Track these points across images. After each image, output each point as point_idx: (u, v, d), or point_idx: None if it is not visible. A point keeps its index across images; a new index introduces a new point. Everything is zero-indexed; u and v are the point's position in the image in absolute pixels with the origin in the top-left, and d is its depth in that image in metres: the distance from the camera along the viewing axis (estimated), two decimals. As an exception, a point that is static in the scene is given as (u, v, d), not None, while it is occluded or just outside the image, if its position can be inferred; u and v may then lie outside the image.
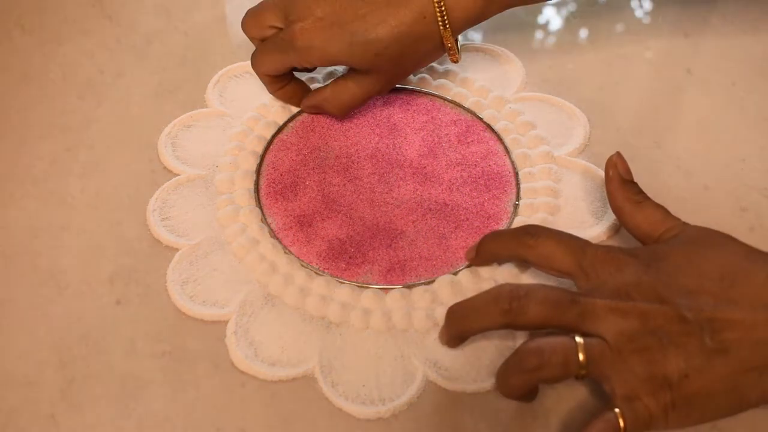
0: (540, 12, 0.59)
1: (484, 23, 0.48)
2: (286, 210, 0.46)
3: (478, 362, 0.39)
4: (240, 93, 0.52)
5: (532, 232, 0.40)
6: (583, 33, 0.58)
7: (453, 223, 0.45)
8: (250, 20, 0.48)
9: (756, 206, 0.46)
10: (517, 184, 0.47)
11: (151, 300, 0.42)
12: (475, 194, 0.47)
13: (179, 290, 0.42)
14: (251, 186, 0.47)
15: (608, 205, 0.43)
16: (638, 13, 0.59)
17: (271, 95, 0.51)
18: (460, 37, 0.48)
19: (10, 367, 0.40)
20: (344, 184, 0.47)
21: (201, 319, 0.41)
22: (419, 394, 0.39)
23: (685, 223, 0.39)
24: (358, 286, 0.42)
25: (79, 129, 0.50)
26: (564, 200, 0.46)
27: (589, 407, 0.38)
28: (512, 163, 0.48)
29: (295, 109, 0.51)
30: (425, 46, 0.46)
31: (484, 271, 0.43)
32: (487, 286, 0.41)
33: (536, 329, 0.38)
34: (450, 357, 0.40)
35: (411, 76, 0.52)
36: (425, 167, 0.48)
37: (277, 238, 0.44)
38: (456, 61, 0.48)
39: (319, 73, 0.53)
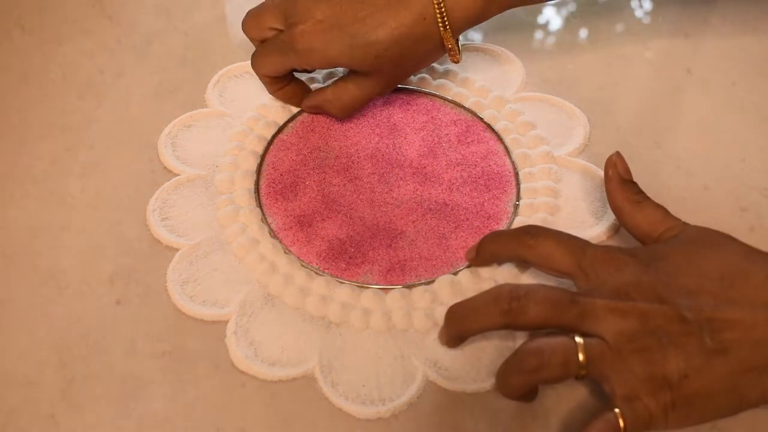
0: (540, 12, 0.59)
1: (484, 23, 0.48)
2: (286, 210, 0.46)
3: (478, 362, 0.39)
4: (240, 93, 0.52)
5: (532, 232, 0.40)
6: (583, 33, 0.58)
7: (453, 223, 0.45)
8: (250, 21, 0.48)
9: (756, 206, 0.46)
10: (517, 184, 0.47)
11: (151, 300, 0.42)
12: (475, 194, 0.47)
13: (179, 290, 0.42)
14: (251, 186, 0.47)
15: (608, 205, 0.43)
16: (638, 13, 0.59)
17: (271, 95, 0.51)
18: (460, 38, 0.48)
19: (10, 367, 0.40)
20: (344, 184, 0.47)
21: (201, 319, 0.41)
22: (419, 394, 0.39)
23: (684, 223, 0.39)
24: (358, 286, 0.42)
25: (79, 129, 0.50)
26: (564, 200, 0.46)
27: (589, 407, 0.38)
28: (512, 163, 0.48)
29: (295, 109, 0.51)
30: (425, 47, 0.46)
31: (484, 271, 0.43)
32: (487, 286, 0.41)
33: (536, 329, 0.38)
34: (450, 357, 0.40)
35: (411, 77, 0.52)
36: (425, 167, 0.48)
37: (277, 238, 0.44)
38: (457, 62, 0.48)
39: (319, 74, 0.53)
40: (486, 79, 0.53)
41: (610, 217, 0.45)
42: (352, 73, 0.48)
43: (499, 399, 0.37)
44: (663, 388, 0.34)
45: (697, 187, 0.47)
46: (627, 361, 0.34)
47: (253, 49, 0.49)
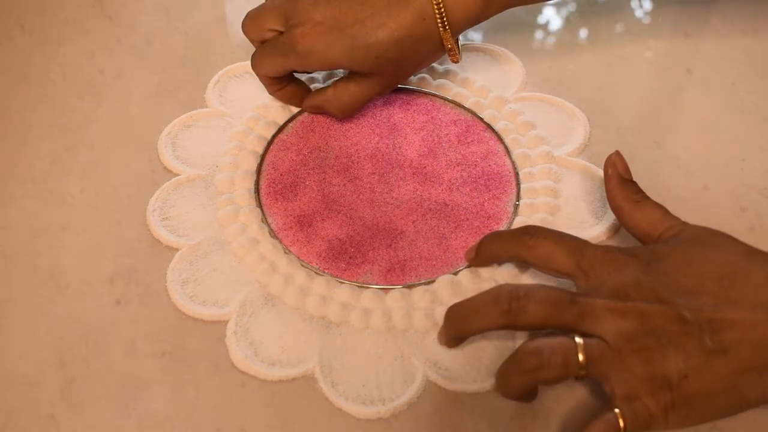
0: (540, 12, 0.59)
1: (484, 23, 0.48)
2: (286, 210, 0.46)
3: (478, 362, 0.39)
4: (240, 93, 0.52)
5: (532, 232, 0.40)
6: (583, 33, 0.58)
7: (453, 223, 0.45)
8: (249, 23, 0.48)
9: (756, 206, 0.46)
10: (517, 184, 0.47)
11: (151, 300, 0.42)
12: (475, 194, 0.47)
13: (179, 290, 0.42)
14: (251, 186, 0.47)
15: (608, 205, 0.43)
16: (638, 13, 0.59)
17: (270, 95, 0.51)
18: (460, 37, 0.48)
19: (10, 367, 0.40)
20: (344, 184, 0.47)
21: (201, 319, 0.41)
22: (419, 394, 0.39)
23: (684, 223, 0.39)
24: (358, 286, 0.42)
25: (79, 129, 0.50)
26: (564, 200, 0.46)
27: (589, 407, 0.38)
28: (512, 163, 0.48)
29: (295, 109, 0.51)
30: (425, 47, 0.46)
31: (484, 271, 0.43)
32: (487, 286, 0.41)
33: (536, 329, 0.38)
34: (450, 357, 0.40)
35: (411, 77, 0.52)
36: (425, 167, 0.48)
37: (277, 238, 0.44)
38: (457, 62, 0.48)
39: (319, 74, 0.53)
40: (486, 79, 0.53)
41: (610, 217, 0.45)
42: (353, 74, 0.48)
43: (499, 399, 0.37)
44: (663, 388, 0.34)
45: (697, 187, 0.47)
46: (627, 361, 0.34)
47: (253, 49, 0.49)
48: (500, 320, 0.37)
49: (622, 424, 0.34)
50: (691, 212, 0.40)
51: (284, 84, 0.49)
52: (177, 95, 0.52)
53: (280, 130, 0.50)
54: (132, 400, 0.38)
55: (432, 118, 0.51)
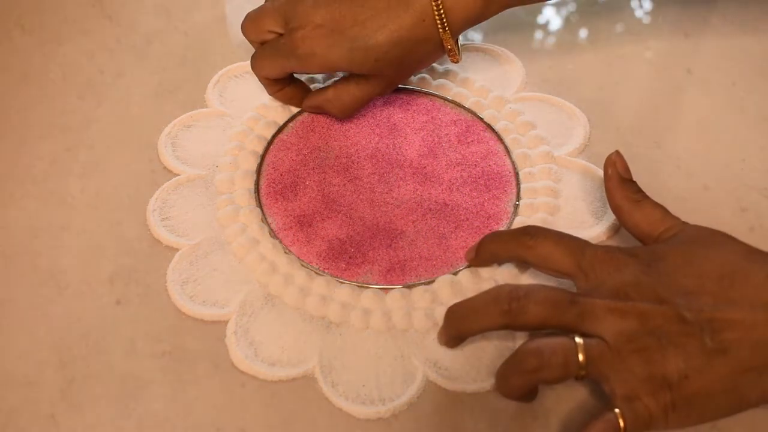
0: (540, 12, 0.59)
1: (484, 23, 0.48)
2: (286, 210, 0.46)
3: (478, 362, 0.39)
4: (240, 93, 0.52)
5: (532, 232, 0.40)
6: (583, 33, 0.58)
7: (453, 223, 0.45)
8: (249, 24, 0.48)
9: (756, 206, 0.46)
10: (517, 184, 0.47)
11: (151, 300, 0.42)
12: (475, 194, 0.47)
13: (179, 290, 0.42)
14: (251, 186, 0.47)
15: (608, 205, 0.43)
16: (638, 13, 0.59)
17: (270, 96, 0.51)
18: (460, 38, 0.48)
19: (10, 367, 0.40)
20: (344, 184, 0.47)
21: (201, 319, 0.41)
22: (419, 394, 0.39)
23: (684, 222, 0.40)
24: (358, 286, 0.42)
25: (79, 129, 0.50)
26: (564, 200, 0.46)
27: (589, 407, 0.38)
28: (512, 163, 0.48)
29: (295, 109, 0.51)
30: (425, 48, 0.46)
31: (484, 271, 0.43)
32: (487, 286, 0.41)
33: (536, 330, 0.38)
34: (450, 357, 0.40)
35: (411, 77, 0.52)
36: (425, 167, 0.48)
37: (277, 238, 0.44)
38: (456, 62, 0.48)
39: (319, 74, 0.53)
40: (486, 79, 0.53)
41: (610, 217, 0.45)
42: (353, 74, 0.48)
43: (499, 399, 0.37)
44: (663, 388, 0.34)
45: (697, 187, 0.47)
46: (627, 361, 0.34)
47: (253, 49, 0.49)
48: (500, 320, 0.37)
49: (622, 424, 0.34)
50: (691, 212, 0.40)
51: (284, 85, 0.49)
52: (177, 95, 0.52)
53: (280, 130, 0.50)
54: (132, 400, 0.38)
55: (432, 118, 0.51)
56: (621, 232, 0.45)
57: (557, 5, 0.59)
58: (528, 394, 0.37)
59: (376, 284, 0.42)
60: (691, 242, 0.38)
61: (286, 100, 0.50)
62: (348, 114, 0.49)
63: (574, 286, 0.38)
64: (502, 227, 0.45)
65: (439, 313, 0.40)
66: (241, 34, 0.48)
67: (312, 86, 0.52)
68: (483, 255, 0.42)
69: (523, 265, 0.43)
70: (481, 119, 0.51)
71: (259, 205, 0.46)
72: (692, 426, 0.35)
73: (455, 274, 0.43)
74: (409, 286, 0.42)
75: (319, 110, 0.50)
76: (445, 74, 0.53)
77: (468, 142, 0.49)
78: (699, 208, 0.45)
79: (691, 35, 0.57)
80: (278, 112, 0.51)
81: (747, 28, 0.57)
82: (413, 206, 0.46)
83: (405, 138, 0.50)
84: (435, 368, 0.39)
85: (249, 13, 0.48)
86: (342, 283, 0.42)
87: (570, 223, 0.45)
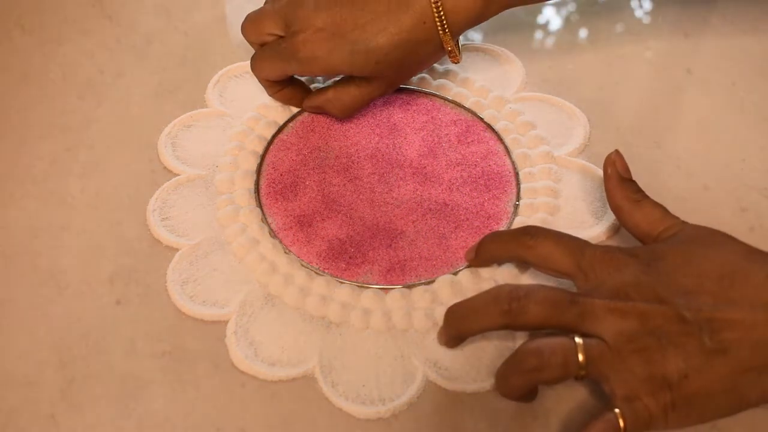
0: (540, 12, 0.59)
1: (484, 23, 0.48)
2: (286, 210, 0.46)
3: (478, 362, 0.39)
4: (240, 93, 0.52)
5: (531, 232, 0.40)
6: (583, 33, 0.58)
7: (453, 223, 0.45)
8: (249, 25, 0.48)
9: (756, 206, 0.46)
10: (517, 184, 0.47)
11: (151, 300, 0.42)
12: (475, 194, 0.47)
13: (179, 290, 0.42)
14: (251, 186, 0.47)
15: (608, 205, 0.43)
16: (638, 13, 0.59)
17: (270, 96, 0.51)
18: (460, 38, 0.48)
19: (10, 367, 0.40)
20: (344, 184, 0.47)
21: (201, 319, 0.41)
22: (419, 394, 0.39)
23: (684, 222, 0.39)
24: (358, 286, 0.42)
25: (79, 129, 0.50)
26: (564, 200, 0.46)
27: (589, 407, 0.38)
28: (512, 163, 0.48)
29: (295, 109, 0.51)
30: (426, 50, 0.46)
31: (484, 271, 0.43)
32: (487, 286, 0.41)
33: (536, 330, 0.38)
34: (450, 357, 0.40)
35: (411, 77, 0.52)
36: (425, 167, 0.48)
37: (277, 238, 0.44)
38: (457, 62, 0.48)
39: (320, 76, 0.53)
40: (486, 79, 0.53)
41: (610, 217, 0.45)
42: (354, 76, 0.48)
43: (499, 399, 0.37)
44: (663, 388, 0.34)
45: (697, 187, 0.47)
46: (627, 361, 0.34)
47: (253, 49, 0.49)
48: (500, 320, 0.37)
49: (622, 424, 0.34)
50: (691, 212, 0.40)
51: (284, 86, 0.49)
52: (177, 95, 0.52)
53: (280, 130, 0.50)
54: (132, 400, 0.38)
55: (432, 118, 0.51)
56: (621, 232, 0.45)
57: (557, 5, 0.59)
58: (528, 394, 0.37)
59: (376, 284, 0.42)
60: (691, 242, 0.38)
61: (286, 101, 0.50)
62: (348, 114, 0.49)
63: (574, 286, 0.38)
64: (502, 227, 0.45)
65: (439, 313, 0.40)
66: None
67: (312, 86, 0.52)
68: (483, 255, 0.42)
69: (523, 265, 0.43)
70: (481, 119, 0.51)
71: (259, 205, 0.46)
72: (692, 426, 0.35)
73: (455, 274, 0.43)
74: (409, 286, 0.42)
75: (319, 110, 0.50)
76: (445, 74, 0.53)
77: (468, 142, 0.49)
78: (699, 208, 0.45)
79: (691, 35, 0.57)
80: (278, 112, 0.51)
81: (747, 28, 0.57)
82: (413, 206, 0.46)
83: (405, 138, 0.50)
84: (435, 368, 0.39)
85: (249, 14, 0.48)
86: (342, 283, 0.42)
87: (570, 223, 0.45)
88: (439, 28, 0.45)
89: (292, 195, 0.47)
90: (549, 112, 0.51)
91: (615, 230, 0.45)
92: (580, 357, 0.35)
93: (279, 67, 0.47)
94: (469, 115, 0.51)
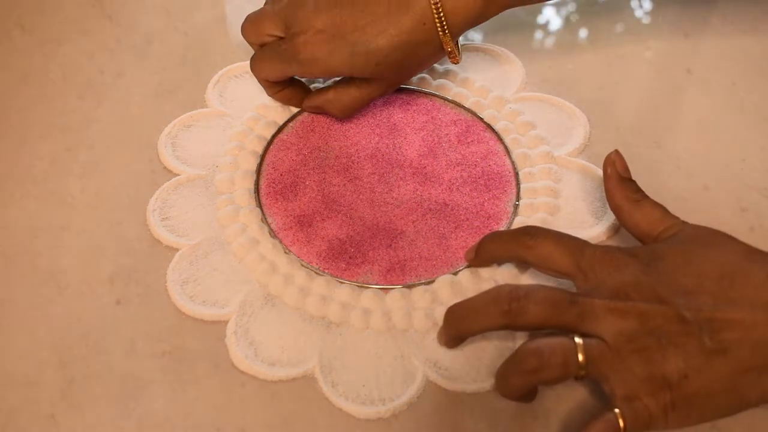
0: (540, 12, 0.59)
1: (484, 23, 0.48)
2: (286, 210, 0.46)
3: (478, 362, 0.39)
4: (240, 93, 0.52)
5: (531, 232, 0.40)
6: (583, 33, 0.58)
7: (453, 223, 0.45)
8: (249, 26, 0.48)
9: (756, 206, 0.46)
10: (517, 184, 0.47)
11: (151, 300, 0.42)
12: (475, 194, 0.47)
13: (179, 290, 0.42)
14: (251, 186, 0.47)
15: (608, 205, 0.43)
16: (638, 13, 0.59)
17: (270, 97, 0.51)
18: (460, 38, 0.48)
19: (10, 367, 0.40)
20: (344, 184, 0.47)
21: (201, 319, 0.41)
22: (419, 394, 0.39)
23: (684, 222, 0.40)
24: (358, 286, 0.42)
25: (79, 129, 0.50)
26: (564, 200, 0.46)
27: (589, 407, 0.38)
28: (512, 163, 0.48)
29: (295, 109, 0.51)
30: (426, 51, 0.46)
31: (484, 272, 0.43)
32: (487, 286, 0.41)
33: (535, 330, 0.38)
34: (450, 357, 0.40)
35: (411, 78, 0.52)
36: (425, 167, 0.48)
37: (277, 238, 0.44)
38: (457, 63, 0.48)
39: (320, 77, 0.53)
40: (486, 79, 0.53)
41: (610, 217, 0.45)
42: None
43: (499, 399, 0.37)
44: (663, 388, 0.34)
45: (697, 187, 0.47)
46: (626, 361, 0.34)
47: (253, 50, 0.49)
48: (500, 320, 0.37)
49: (622, 424, 0.34)
50: (691, 212, 0.40)
51: (284, 86, 0.49)
52: (177, 95, 0.52)
53: (280, 130, 0.50)
54: (132, 400, 0.38)
55: (432, 118, 0.51)
56: (621, 232, 0.45)
57: (557, 5, 0.59)
58: (528, 395, 0.37)
59: (376, 284, 0.42)
60: (691, 242, 0.38)
61: (286, 101, 0.50)
62: (348, 114, 0.49)
63: (574, 286, 0.38)
64: (502, 227, 0.45)
65: (439, 313, 0.40)
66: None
67: (312, 87, 0.52)
68: (483, 255, 0.42)
69: (523, 265, 0.43)
70: (481, 119, 0.51)
71: (259, 205, 0.46)
72: (692, 426, 0.35)
73: (455, 274, 0.43)
74: (409, 286, 0.42)
75: (319, 110, 0.50)
76: (445, 74, 0.53)
77: (468, 142, 0.49)
78: (699, 208, 0.45)
79: (691, 35, 0.57)
80: (278, 112, 0.51)
81: (747, 28, 0.57)
82: (413, 206, 0.46)
83: (405, 138, 0.50)
84: (435, 368, 0.39)
85: (249, 15, 0.48)
86: (342, 283, 0.42)
87: (570, 223, 0.45)
88: (439, 29, 0.45)
89: (292, 195, 0.47)
90: (549, 112, 0.51)
91: (615, 230, 0.45)
92: (580, 357, 0.35)
93: (279, 68, 0.47)
94: (469, 115, 0.51)
